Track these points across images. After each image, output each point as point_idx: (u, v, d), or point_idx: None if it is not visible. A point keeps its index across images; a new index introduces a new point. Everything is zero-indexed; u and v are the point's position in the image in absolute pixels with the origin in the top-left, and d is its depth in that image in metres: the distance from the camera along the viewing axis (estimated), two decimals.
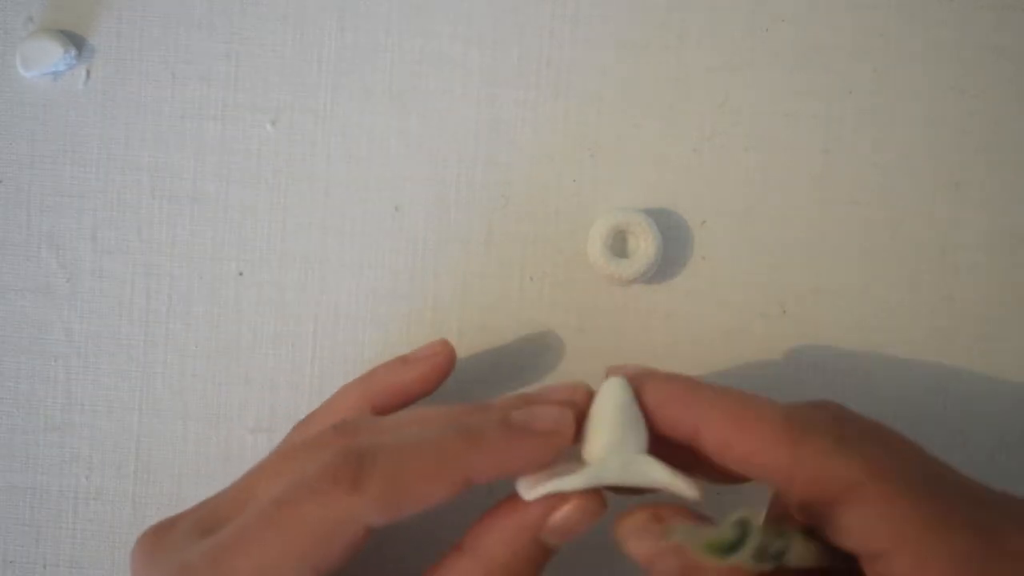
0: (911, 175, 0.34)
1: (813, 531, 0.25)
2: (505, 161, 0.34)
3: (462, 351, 0.34)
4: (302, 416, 0.33)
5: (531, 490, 0.26)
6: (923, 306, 0.34)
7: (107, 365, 0.34)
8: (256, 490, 0.27)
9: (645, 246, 0.33)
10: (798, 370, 0.34)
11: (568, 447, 0.27)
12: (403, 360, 0.32)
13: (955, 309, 0.34)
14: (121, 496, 0.34)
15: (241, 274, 0.34)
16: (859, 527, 0.24)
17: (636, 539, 0.26)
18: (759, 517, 0.27)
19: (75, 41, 0.35)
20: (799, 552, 0.25)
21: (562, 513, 0.26)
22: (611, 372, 0.28)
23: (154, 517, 0.34)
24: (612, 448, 0.26)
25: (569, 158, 0.34)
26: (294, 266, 0.34)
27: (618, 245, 0.33)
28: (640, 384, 0.27)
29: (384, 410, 0.31)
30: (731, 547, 0.23)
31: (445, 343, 0.32)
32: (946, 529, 0.23)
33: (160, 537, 0.28)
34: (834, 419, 0.26)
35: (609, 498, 0.27)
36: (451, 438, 0.26)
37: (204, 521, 0.27)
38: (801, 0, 0.34)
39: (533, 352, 0.34)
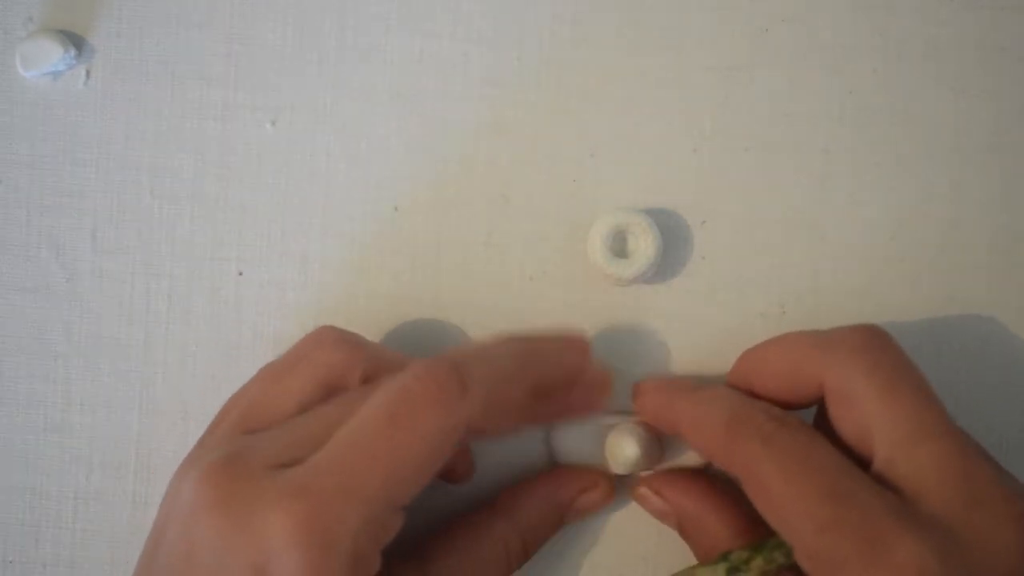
0: (911, 175, 0.34)
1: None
2: (505, 161, 0.34)
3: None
4: None
5: (622, 467, 0.31)
6: (923, 306, 0.34)
7: (107, 365, 0.34)
8: (333, 415, 0.27)
9: (645, 246, 0.33)
10: None
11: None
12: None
13: (955, 309, 0.34)
14: (121, 496, 0.34)
15: (241, 274, 0.34)
16: (774, 524, 0.27)
17: (644, 503, 0.32)
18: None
19: (75, 41, 0.35)
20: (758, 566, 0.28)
21: (592, 495, 0.32)
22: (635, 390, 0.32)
23: (154, 517, 0.34)
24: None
25: (569, 158, 0.34)
26: (294, 266, 0.34)
27: (618, 245, 0.33)
28: (638, 404, 0.32)
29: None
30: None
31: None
32: (835, 531, 0.25)
33: (239, 469, 0.26)
34: (767, 418, 0.28)
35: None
36: (519, 348, 0.29)
37: (286, 448, 0.27)
38: (801, 0, 0.34)
39: None
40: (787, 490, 0.26)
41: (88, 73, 0.35)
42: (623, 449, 0.31)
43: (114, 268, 0.34)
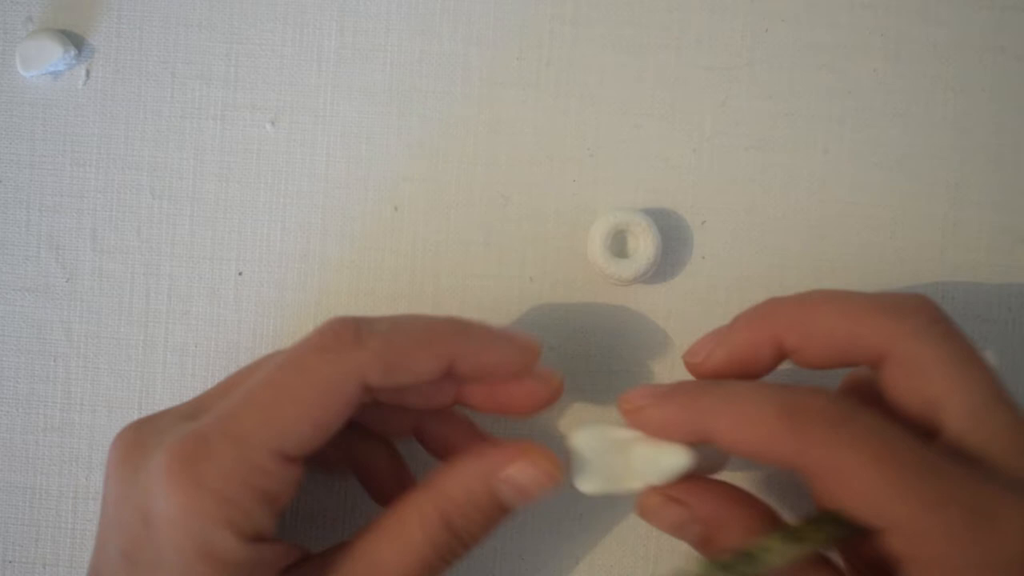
0: (911, 175, 0.34)
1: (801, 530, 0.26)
2: (505, 161, 0.34)
3: None
4: None
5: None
6: None
7: (107, 365, 0.34)
8: (243, 377, 0.29)
9: (645, 246, 0.33)
10: (798, 370, 0.34)
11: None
12: None
13: (955, 309, 0.34)
14: None
15: (241, 274, 0.34)
16: (861, 509, 0.25)
17: (655, 517, 0.28)
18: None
19: (75, 41, 0.35)
20: (777, 553, 0.26)
21: (517, 466, 0.28)
22: (621, 404, 0.29)
23: None
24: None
25: (569, 158, 0.34)
26: (294, 266, 0.34)
27: (618, 245, 0.33)
28: (638, 419, 0.28)
29: None
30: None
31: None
32: (941, 508, 0.24)
33: (144, 427, 0.28)
34: (828, 402, 0.26)
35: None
36: (440, 320, 0.29)
37: (192, 408, 0.29)
38: (801, 0, 0.34)
39: None
40: (876, 474, 0.24)
41: (88, 73, 0.35)
42: (669, 458, 0.28)
43: (114, 268, 0.34)
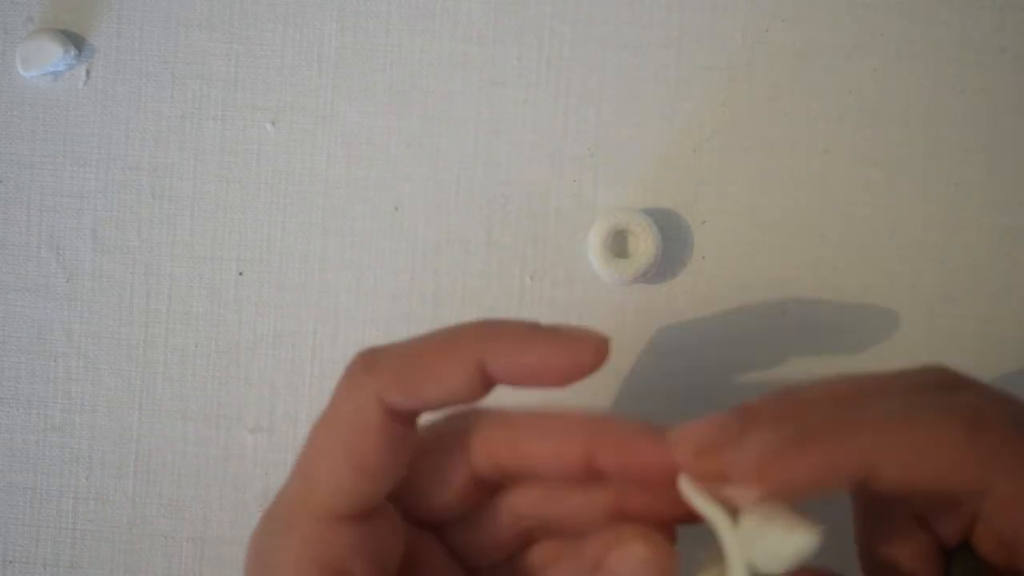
0: (911, 175, 0.34)
1: None
2: (505, 161, 0.34)
3: None
4: (302, 416, 0.33)
5: None
6: (923, 306, 0.34)
7: (107, 365, 0.34)
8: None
9: (645, 246, 0.33)
10: (798, 370, 0.34)
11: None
12: None
13: (955, 309, 0.34)
14: (121, 496, 0.34)
15: (241, 274, 0.34)
16: None
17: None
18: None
19: (75, 41, 0.35)
20: None
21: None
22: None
23: (154, 517, 0.34)
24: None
25: (569, 158, 0.34)
26: (294, 266, 0.34)
27: (618, 245, 0.33)
28: (762, 476, 0.21)
29: None
30: None
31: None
32: None
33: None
34: (1014, 411, 0.22)
35: None
36: (467, 325, 0.24)
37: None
38: (801, 0, 0.34)
39: None
40: None
41: (88, 73, 0.35)
42: (797, 540, 0.21)
43: (114, 268, 0.34)
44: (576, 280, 0.34)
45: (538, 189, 0.34)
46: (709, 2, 0.34)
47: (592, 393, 0.34)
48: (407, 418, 0.25)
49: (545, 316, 0.34)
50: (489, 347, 0.24)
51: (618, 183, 0.34)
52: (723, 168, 0.34)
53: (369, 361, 0.24)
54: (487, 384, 0.24)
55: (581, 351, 0.24)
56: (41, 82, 0.35)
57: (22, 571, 0.34)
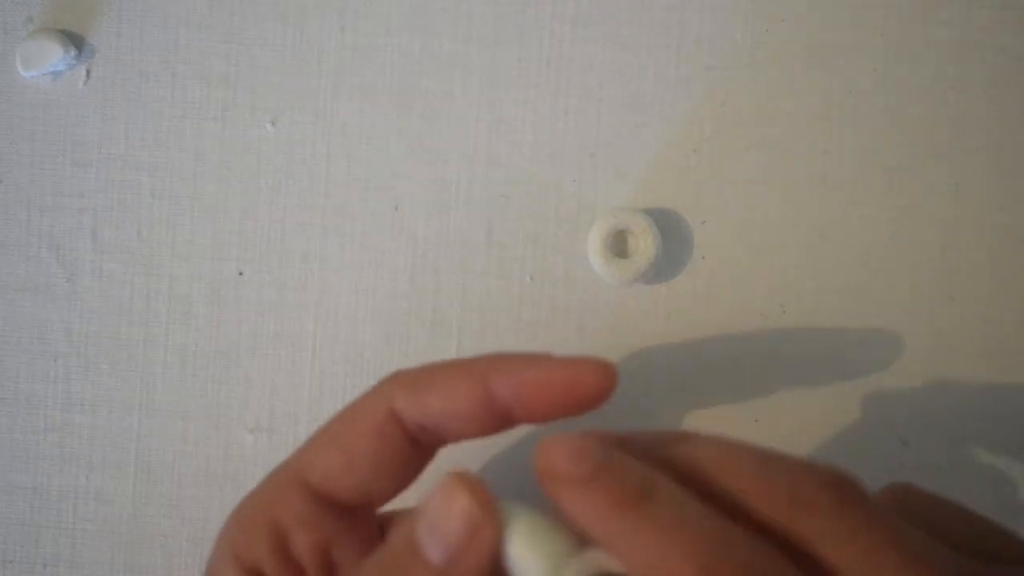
0: (911, 175, 0.34)
1: None
2: (505, 161, 0.34)
3: (462, 351, 0.34)
4: (302, 416, 0.33)
5: None
6: (923, 306, 0.34)
7: (107, 365, 0.34)
8: None
9: (645, 246, 0.33)
10: (798, 370, 0.34)
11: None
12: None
13: (955, 309, 0.34)
14: (121, 496, 0.34)
15: (241, 274, 0.34)
16: None
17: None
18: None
19: (75, 41, 0.35)
20: None
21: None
22: None
23: (154, 517, 0.34)
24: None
25: (569, 158, 0.34)
26: (294, 266, 0.34)
27: (618, 245, 0.33)
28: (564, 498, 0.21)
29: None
30: None
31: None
32: None
33: None
34: (758, 556, 0.21)
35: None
36: (479, 355, 0.26)
37: None
38: (801, 0, 0.34)
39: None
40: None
41: (88, 73, 0.35)
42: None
43: (114, 268, 0.34)
44: (576, 280, 0.34)
45: (538, 189, 0.34)
46: (709, 2, 0.34)
47: None
48: (414, 432, 0.25)
49: (545, 316, 0.34)
50: (496, 365, 0.25)
51: (618, 183, 0.34)
52: (723, 168, 0.34)
53: (394, 373, 0.26)
54: (493, 405, 0.24)
55: (583, 370, 0.24)
56: (41, 82, 0.35)
57: (22, 571, 0.34)
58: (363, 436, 0.25)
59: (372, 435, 0.25)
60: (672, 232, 0.34)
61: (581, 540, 0.22)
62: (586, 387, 0.24)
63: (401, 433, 0.25)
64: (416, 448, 0.26)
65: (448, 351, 0.34)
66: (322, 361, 0.34)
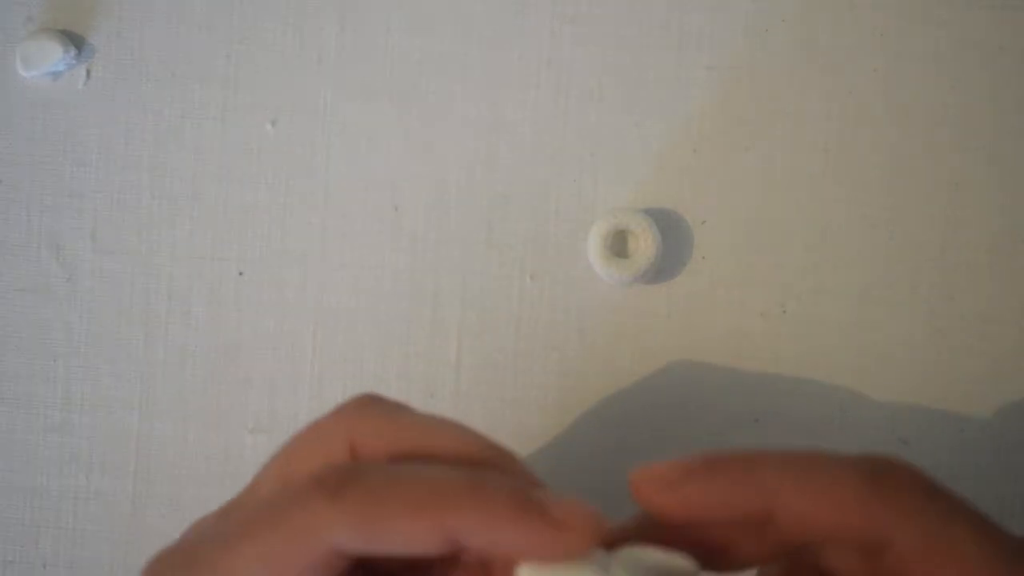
0: (911, 175, 0.34)
1: None
2: (505, 161, 0.34)
3: (462, 351, 0.34)
4: (302, 416, 0.33)
5: None
6: (923, 306, 0.34)
7: (107, 365, 0.34)
8: (260, 487, 0.25)
9: (645, 246, 0.33)
10: (798, 370, 0.34)
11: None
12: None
13: (955, 309, 0.34)
14: (121, 496, 0.34)
15: (241, 274, 0.34)
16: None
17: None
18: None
19: (75, 41, 0.35)
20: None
21: None
22: (633, 480, 0.23)
23: (154, 517, 0.34)
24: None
25: (569, 158, 0.34)
26: (294, 266, 0.34)
27: (618, 245, 0.33)
28: (672, 499, 0.22)
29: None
30: None
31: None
32: None
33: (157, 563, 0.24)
34: (916, 468, 0.23)
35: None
36: (452, 479, 0.22)
37: (220, 514, 0.26)
38: (801, 0, 0.34)
39: (533, 352, 0.34)
40: (986, 551, 0.22)
41: (88, 73, 0.35)
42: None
43: (114, 268, 0.34)
44: (576, 280, 0.34)
45: (538, 189, 0.34)
46: (709, 2, 0.34)
47: (593, 394, 0.34)
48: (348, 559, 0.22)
49: (545, 316, 0.34)
50: (468, 514, 0.21)
51: (618, 183, 0.34)
52: (723, 168, 0.34)
53: (338, 485, 0.22)
54: (455, 547, 0.22)
55: (564, 530, 0.22)
56: (41, 82, 0.35)
57: (22, 571, 0.34)
58: (295, 569, 0.22)
59: (307, 570, 0.22)
60: (672, 232, 0.34)
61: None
62: (567, 548, 0.22)
63: (343, 564, 0.22)
64: (362, 569, 0.23)
65: (448, 351, 0.34)
66: (322, 361, 0.34)
